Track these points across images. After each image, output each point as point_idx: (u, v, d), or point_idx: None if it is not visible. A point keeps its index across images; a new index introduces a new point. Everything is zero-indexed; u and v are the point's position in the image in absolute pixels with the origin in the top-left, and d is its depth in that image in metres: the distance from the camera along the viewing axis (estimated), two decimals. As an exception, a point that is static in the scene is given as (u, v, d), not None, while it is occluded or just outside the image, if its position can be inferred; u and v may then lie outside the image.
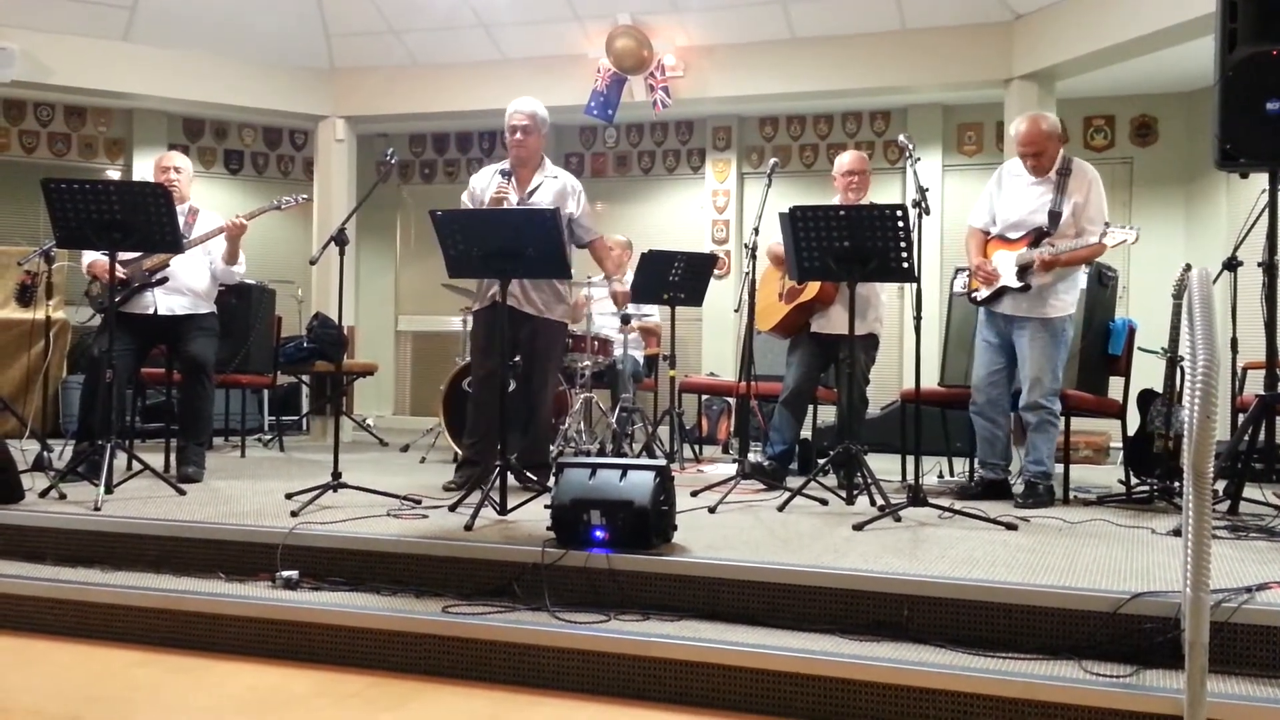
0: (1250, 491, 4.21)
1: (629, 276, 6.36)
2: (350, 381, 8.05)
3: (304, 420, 8.34)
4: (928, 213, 4.19)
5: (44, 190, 4.26)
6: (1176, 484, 4.50)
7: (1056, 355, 4.57)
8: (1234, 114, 4.05)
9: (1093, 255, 4.55)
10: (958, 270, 5.28)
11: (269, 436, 7.43)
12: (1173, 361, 4.66)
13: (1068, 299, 4.62)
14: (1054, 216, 4.54)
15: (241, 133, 9.41)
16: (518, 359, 4.92)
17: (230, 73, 8.21)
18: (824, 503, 4.37)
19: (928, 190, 4.26)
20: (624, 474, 3.41)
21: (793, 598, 3.09)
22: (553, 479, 3.57)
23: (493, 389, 4.53)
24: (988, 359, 4.74)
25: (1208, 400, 2.26)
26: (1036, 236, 4.55)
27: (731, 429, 7.86)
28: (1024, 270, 4.54)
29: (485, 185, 4.83)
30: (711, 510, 4.20)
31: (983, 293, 4.71)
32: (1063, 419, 4.74)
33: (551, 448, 5.67)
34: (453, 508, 4.05)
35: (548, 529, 3.44)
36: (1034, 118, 4.67)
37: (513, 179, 4.79)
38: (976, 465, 4.90)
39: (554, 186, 4.83)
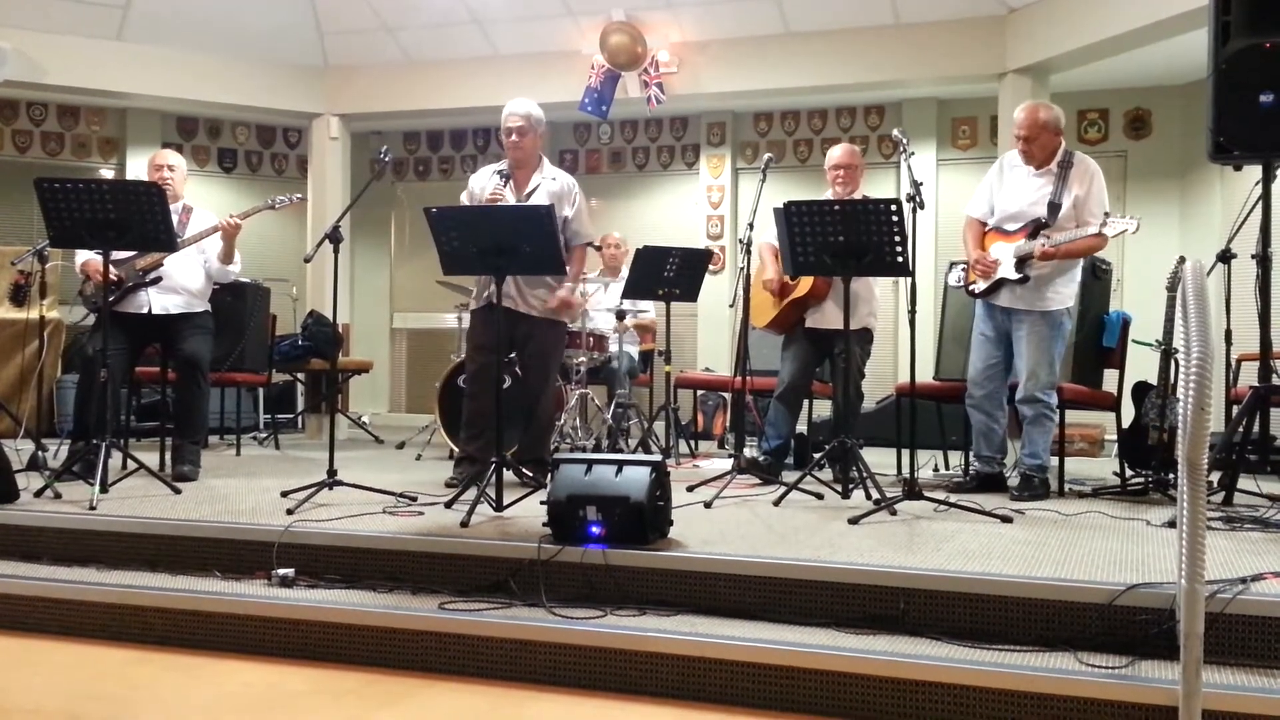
0: (1244, 483, 4.23)
1: (624, 273, 6.35)
2: (345, 379, 8.05)
3: (299, 418, 8.32)
4: (922, 207, 4.17)
5: (37, 190, 4.25)
6: (1171, 476, 4.51)
7: (1054, 349, 4.55)
8: (1227, 107, 4.05)
9: (1093, 247, 4.52)
10: (952, 264, 5.27)
11: (264, 435, 7.42)
12: (1167, 354, 4.66)
13: (1066, 292, 4.59)
14: (1054, 208, 4.52)
15: (235, 131, 9.38)
16: (513, 356, 4.92)
17: (224, 71, 8.19)
18: (820, 497, 4.37)
19: (922, 184, 4.23)
20: (620, 470, 3.41)
21: (789, 592, 3.09)
22: (549, 475, 3.57)
23: (487, 382, 4.57)
24: (985, 352, 4.72)
25: (1202, 392, 2.26)
26: (1035, 228, 4.53)
27: (727, 424, 7.86)
28: (1022, 262, 4.52)
29: (484, 186, 4.81)
30: (707, 505, 4.20)
31: (980, 285, 4.69)
32: (1058, 412, 4.74)
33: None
34: (449, 504, 4.05)
35: (544, 525, 3.45)
36: (1034, 105, 4.68)
37: (510, 181, 4.77)
38: (971, 458, 4.90)
39: (551, 188, 4.80)
